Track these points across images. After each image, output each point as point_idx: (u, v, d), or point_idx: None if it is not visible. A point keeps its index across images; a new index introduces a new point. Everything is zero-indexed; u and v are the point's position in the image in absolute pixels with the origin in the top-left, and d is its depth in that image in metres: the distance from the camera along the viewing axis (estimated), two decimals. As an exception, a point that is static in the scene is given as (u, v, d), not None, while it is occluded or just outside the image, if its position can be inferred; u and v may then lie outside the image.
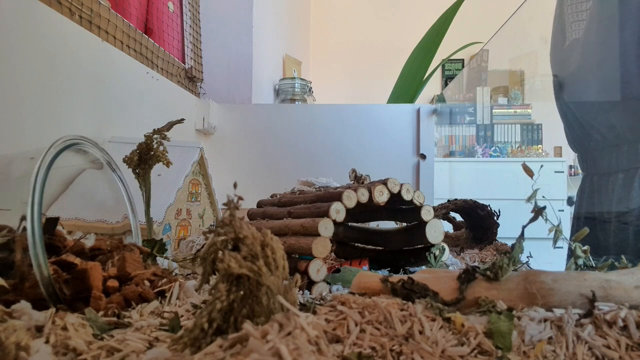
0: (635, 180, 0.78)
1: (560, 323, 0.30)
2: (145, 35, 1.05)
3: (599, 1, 0.82)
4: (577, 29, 0.86)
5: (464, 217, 0.95)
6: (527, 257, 0.59)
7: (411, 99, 2.09)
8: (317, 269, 0.52)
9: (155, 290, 0.44)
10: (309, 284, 0.52)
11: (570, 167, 2.77)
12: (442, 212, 0.89)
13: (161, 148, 0.63)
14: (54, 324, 0.33)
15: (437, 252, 0.59)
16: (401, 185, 0.58)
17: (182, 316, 0.39)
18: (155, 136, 0.63)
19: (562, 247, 0.46)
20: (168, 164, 0.63)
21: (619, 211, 0.81)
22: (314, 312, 0.32)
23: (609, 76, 0.80)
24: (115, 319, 0.37)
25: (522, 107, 2.95)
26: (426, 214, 0.59)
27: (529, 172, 0.44)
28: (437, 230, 0.60)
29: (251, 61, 1.67)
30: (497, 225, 0.86)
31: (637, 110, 0.77)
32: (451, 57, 2.68)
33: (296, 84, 1.94)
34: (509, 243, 0.83)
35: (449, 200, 0.91)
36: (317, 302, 0.41)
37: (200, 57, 1.39)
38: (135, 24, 1.02)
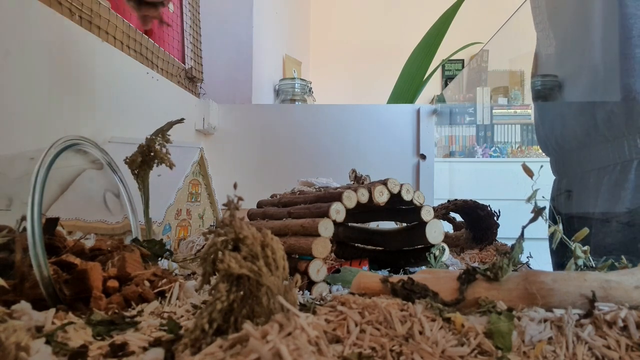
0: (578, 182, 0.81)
1: (560, 323, 0.30)
2: (145, 36, 1.05)
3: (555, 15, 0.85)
4: (544, 45, 0.89)
5: (464, 218, 0.95)
6: (527, 257, 0.59)
7: (411, 99, 2.09)
8: (317, 269, 0.52)
9: (155, 291, 0.44)
10: (309, 284, 0.52)
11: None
12: (442, 212, 0.89)
13: (164, 150, 0.63)
14: (54, 324, 0.33)
15: (437, 253, 0.59)
16: (401, 185, 0.58)
17: (182, 316, 0.39)
18: (157, 139, 0.63)
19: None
20: (171, 165, 0.63)
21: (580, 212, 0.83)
22: (314, 313, 0.32)
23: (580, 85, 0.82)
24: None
25: (522, 108, 2.94)
26: (426, 214, 0.59)
27: (529, 172, 0.44)
28: (437, 230, 0.60)
29: (251, 61, 1.67)
30: (497, 225, 0.86)
31: (578, 119, 0.80)
32: (451, 57, 2.68)
33: (296, 84, 1.94)
34: (509, 243, 0.83)
35: (448, 201, 0.90)
36: (317, 303, 0.41)
37: (200, 57, 1.39)
38: (135, 24, 1.02)
